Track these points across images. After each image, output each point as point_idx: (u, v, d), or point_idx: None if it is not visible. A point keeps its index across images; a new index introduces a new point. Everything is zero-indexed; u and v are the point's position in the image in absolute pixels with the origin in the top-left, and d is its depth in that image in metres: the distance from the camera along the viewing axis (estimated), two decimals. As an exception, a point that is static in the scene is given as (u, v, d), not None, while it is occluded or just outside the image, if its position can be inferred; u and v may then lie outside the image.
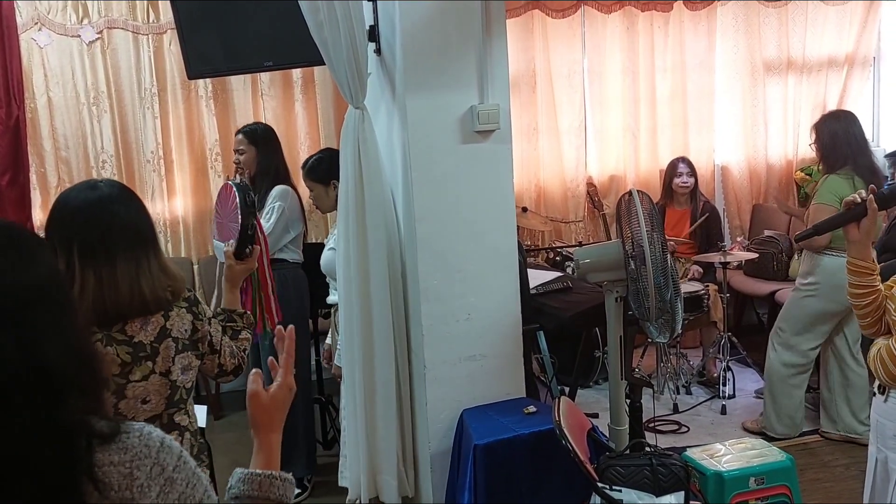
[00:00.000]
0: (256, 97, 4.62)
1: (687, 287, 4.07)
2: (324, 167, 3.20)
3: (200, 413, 2.32)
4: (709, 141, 5.32)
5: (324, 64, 2.65)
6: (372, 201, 2.68)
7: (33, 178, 4.28)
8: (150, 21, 4.41)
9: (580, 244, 4.93)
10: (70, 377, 0.90)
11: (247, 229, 2.13)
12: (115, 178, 4.25)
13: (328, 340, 3.38)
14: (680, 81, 5.18)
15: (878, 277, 2.10)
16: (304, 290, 3.55)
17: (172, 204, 4.60)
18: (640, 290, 2.45)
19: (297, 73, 4.62)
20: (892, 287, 2.08)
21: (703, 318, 4.30)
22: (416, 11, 2.58)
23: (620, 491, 2.18)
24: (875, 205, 2.02)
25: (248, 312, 2.11)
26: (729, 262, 4.22)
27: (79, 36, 4.32)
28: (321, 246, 3.54)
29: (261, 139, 3.54)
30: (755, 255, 4.56)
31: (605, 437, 2.64)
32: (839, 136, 3.58)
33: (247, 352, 2.00)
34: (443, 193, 2.68)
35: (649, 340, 4.24)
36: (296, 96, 4.69)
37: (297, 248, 3.55)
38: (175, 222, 4.62)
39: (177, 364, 1.75)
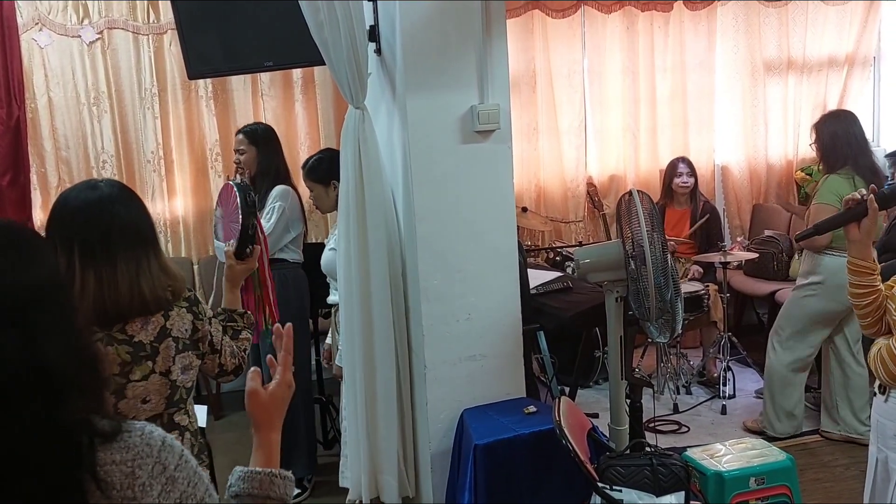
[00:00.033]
0: (256, 97, 4.63)
1: (687, 287, 4.07)
2: (324, 167, 3.20)
3: (201, 413, 2.32)
4: (709, 141, 5.32)
5: (324, 64, 2.65)
6: (372, 201, 2.68)
7: (34, 178, 4.28)
8: (151, 21, 4.42)
9: (580, 244, 4.93)
10: (71, 376, 0.90)
11: (247, 229, 2.13)
12: (116, 178, 4.25)
13: (328, 340, 3.38)
14: (680, 81, 5.18)
15: (879, 277, 2.10)
16: (304, 289, 3.55)
17: (173, 204, 4.60)
18: (640, 290, 2.45)
19: (297, 73, 4.62)
20: (893, 287, 2.08)
21: (703, 318, 4.30)
22: (417, 11, 2.58)
23: (621, 491, 2.18)
24: (875, 204, 2.02)
25: (249, 312, 2.11)
26: (729, 262, 4.22)
27: (79, 36, 4.33)
28: (321, 246, 3.54)
29: (261, 139, 3.54)
30: (755, 255, 4.56)
31: (606, 437, 2.64)
32: (839, 136, 3.58)
33: (247, 352, 2.00)
34: (443, 193, 2.68)
35: (649, 340, 4.24)
36: (296, 96, 4.69)
37: (298, 248, 3.55)
38: (175, 222, 4.62)
39: (177, 364, 1.75)
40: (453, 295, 2.72)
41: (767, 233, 4.99)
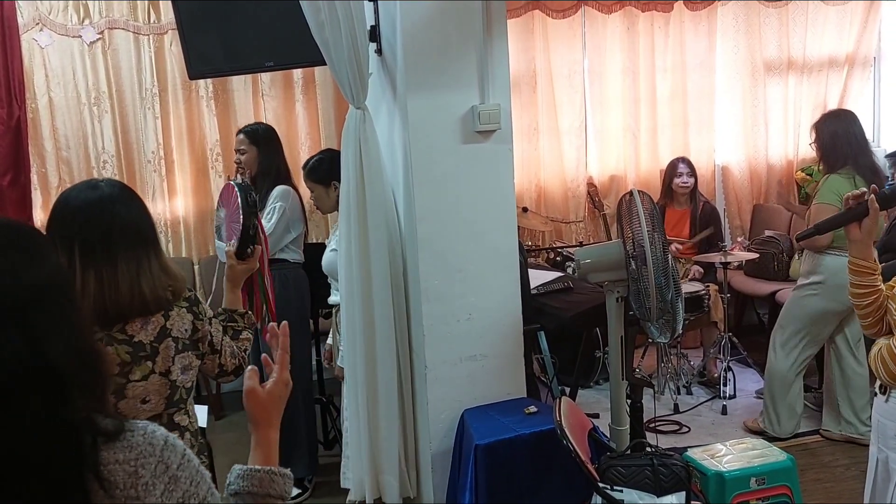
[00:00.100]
0: (257, 97, 4.63)
1: (688, 287, 4.07)
2: (324, 168, 3.20)
3: (201, 413, 2.32)
4: (709, 141, 5.32)
5: (325, 64, 2.65)
6: (373, 201, 2.68)
7: (34, 178, 4.29)
8: (151, 21, 4.42)
9: (581, 244, 4.93)
10: (75, 375, 0.90)
11: (248, 229, 2.13)
12: (116, 178, 4.25)
13: (329, 341, 3.38)
14: (680, 81, 5.18)
15: (880, 277, 2.09)
16: (304, 290, 3.55)
17: (173, 204, 4.60)
18: (640, 290, 2.45)
19: (297, 73, 4.62)
20: (894, 287, 2.08)
21: (703, 318, 4.30)
22: (417, 11, 2.58)
23: (622, 491, 2.18)
24: (876, 204, 2.02)
25: (250, 312, 2.11)
26: (729, 263, 4.22)
27: (80, 36, 4.33)
28: (322, 246, 3.54)
29: (262, 139, 3.54)
30: (756, 256, 4.56)
31: (606, 437, 2.64)
32: (839, 136, 3.58)
33: (248, 352, 2.00)
34: (443, 193, 2.68)
35: (650, 340, 4.24)
36: (296, 96, 4.70)
37: (298, 249, 3.55)
38: (176, 222, 4.62)
39: (177, 364, 1.75)
40: (454, 295, 2.72)
41: (768, 233, 4.99)
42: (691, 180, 4.74)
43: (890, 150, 4.84)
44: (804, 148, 5.12)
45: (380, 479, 2.78)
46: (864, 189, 2.07)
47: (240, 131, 3.63)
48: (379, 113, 2.81)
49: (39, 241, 0.97)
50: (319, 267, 3.22)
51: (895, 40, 5.40)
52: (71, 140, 4.39)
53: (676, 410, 4.11)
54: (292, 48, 2.98)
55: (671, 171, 4.78)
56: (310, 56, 2.75)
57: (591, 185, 5.11)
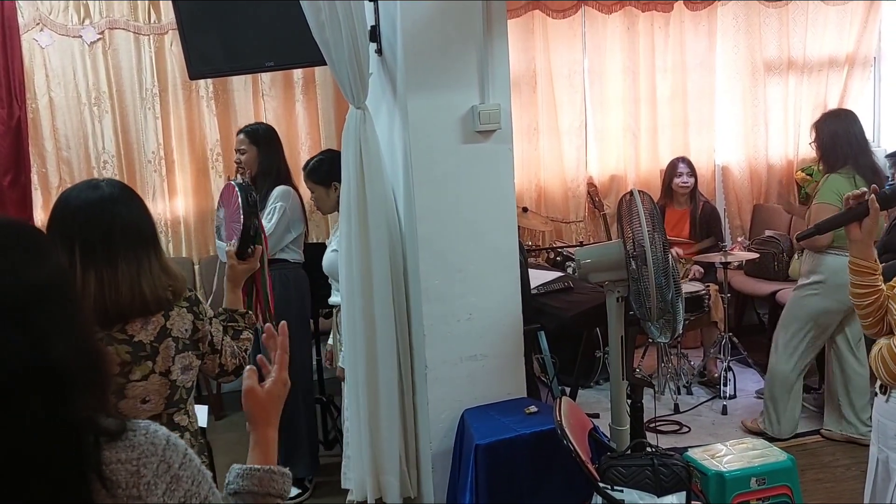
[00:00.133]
0: (257, 97, 4.63)
1: (688, 287, 4.07)
2: (325, 169, 3.20)
3: (201, 413, 2.32)
4: (709, 141, 5.32)
5: (325, 64, 2.65)
6: (374, 201, 2.68)
7: (35, 178, 4.29)
8: (152, 21, 4.42)
9: (581, 244, 4.93)
10: (77, 375, 0.90)
11: (249, 229, 2.13)
12: (117, 178, 4.25)
13: (330, 342, 3.38)
14: (680, 81, 5.18)
15: (881, 277, 2.09)
16: (305, 289, 3.56)
17: (173, 204, 4.60)
18: (641, 290, 2.45)
19: (297, 73, 4.62)
20: (895, 287, 2.08)
21: (703, 318, 4.30)
22: (417, 11, 2.59)
23: (622, 491, 2.18)
24: (877, 204, 2.02)
25: (250, 312, 2.11)
26: (730, 263, 4.22)
27: (80, 36, 4.33)
28: (322, 246, 3.54)
29: (262, 139, 3.54)
30: (756, 256, 4.56)
31: (607, 437, 2.64)
32: (839, 136, 3.58)
33: (248, 352, 2.00)
34: (443, 193, 2.68)
35: (650, 340, 4.24)
36: (296, 97, 4.70)
37: (299, 249, 3.56)
38: (176, 222, 4.62)
39: (177, 364, 1.75)
40: (454, 295, 2.72)
41: (768, 233, 4.99)
42: (691, 180, 4.74)
43: (890, 150, 4.84)
44: (804, 148, 5.12)
45: (381, 480, 2.78)
46: (865, 189, 2.07)
47: (240, 131, 3.63)
48: (379, 113, 2.81)
49: (41, 241, 0.97)
50: (320, 267, 3.22)
51: (895, 40, 5.40)
52: (71, 140, 4.39)
53: (677, 410, 4.11)
54: (292, 48, 2.98)
55: (671, 170, 4.78)
56: (310, 56, 2.76)
57: (591, 184, 5.11)
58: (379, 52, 2.79)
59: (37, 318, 0.89)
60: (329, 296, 3.24)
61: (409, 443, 2.84)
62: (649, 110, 5.16)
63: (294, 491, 3.49)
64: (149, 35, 4.42)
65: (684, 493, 2.21)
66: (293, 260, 3.52)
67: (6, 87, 3.98)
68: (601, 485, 2.19)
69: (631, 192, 2.49)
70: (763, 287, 4.78)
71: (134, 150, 4.49)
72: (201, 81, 4.39)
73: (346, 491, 2.94)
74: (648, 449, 2.39)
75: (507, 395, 2.80)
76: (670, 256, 2.45)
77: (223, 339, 1.89)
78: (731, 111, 5.33)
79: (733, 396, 4.23)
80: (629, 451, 2.40)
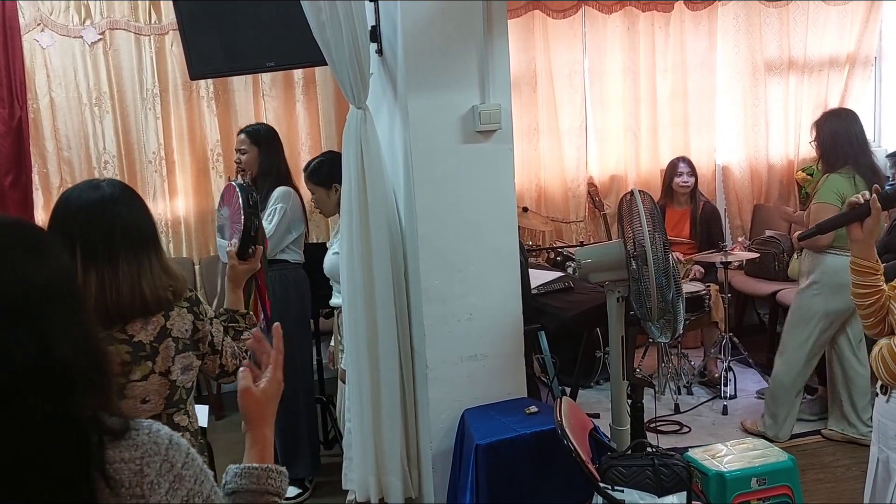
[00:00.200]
0: (258, 98, 4.63)
1: (688, 287, 4.07)
2: (325, 170, 3.19)
3: (202, 413, 2.32)
4: (710, 141, 5.32)
5: (325, 64, 2.65)
6: (375, 201, 2.68)
7: (36, 178, 4.29)
8: (152, 22, 4.42)
9: (581, 244, 4.93)
10: (81, 374, 0.90)
11: (249, 230, 2.13)
12: (117, 178, 4.25)
13: (332, 343, 3.38)
14: (681, 81, 5.18)
15: (882, 277, 2.09)
16: (305, 290, 3.56)
17: (174, 204, 4.60)
18: (641, 290, 2.45)
19: (298, 73, 4.62)
20: None
21: (704, 318, 4.30)
22: (418, 11, 2.59)
23: (622, 491, 2.18)
24: (879, 204, 2.02)
25: (251, 313, 2.11)
26: (730, 263, 4.22)
27: (81, 37, 4.33)
28: (322, 246, 3.54)
29: (263, 140, 3.54)
30: (756, 256, 4.56)
31: (607, 437, 2.64)
32: (840, 135, 3.58)
33: (249, 352, 2.00)
34: (444, 193, 2.68)
35: (650, 340, 4.24)
36: (297, 97, 4.70)
37: (299, 249, 3.56)
38: (177, 222, 4.62)
39: (177, 364, 1.75)
40: (454, 295, 2.72)
41: (768, 233, 4.99)
42: (692, 180, 4.74)
43: (890, 150, 4.84)
44: (805, 148, 5.12)
45: (382, 480, 2.78)
46: (867, 193, 2.06)
47: (241, 131, 3.63)
48: (380, 113, 2.82)
49: (43, 240, 0.97)
50: (320, 267, 3.22)
51: (896, 40, 5.41)
52: (72, 140, 4.39)
53: (677, 410, 4.11)
54: (293, 48, 2.98)
55: (671, 170, 4.78)
56: (310, 56, 2.76)
57: (591, 184, 5.11)
58: (379, 52, 2.79)
59: (40, 317, 0.89)
60: (329, 296, 3.25)
61: (410, 443, 2.84)
62: (650, 110, 5.16)
63: (294, 490, 3.49)
64: (149, 35, 4.42)
65: (685, 493, 2.21)
66: (293, 260, 3.52)
67: (7, 87, 3.98)
68: (602, 485, 2.19)
69: (631, 192, 2.49)
70: (763, 287, 4.78)
71: (134, 151, 4.49)
72: (202, 82, 4.40)
73: (346, 491, 2.94)
74: (649, 449, 2.39)
75: (508, 395, 2.80)
76: (671, 256, 2.45)
77: (224, 340, 1.89)
78: (732, 111, 5.33)
79: (734, 396, 4.23)
80: (630, 451, 2.40)
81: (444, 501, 2.73)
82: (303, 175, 3.40)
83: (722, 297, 4.31)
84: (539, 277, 3.81)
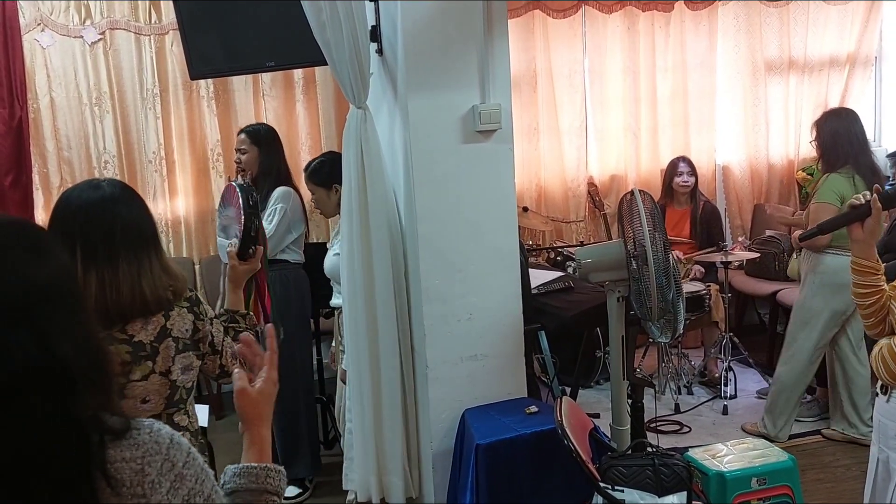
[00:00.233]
0: (258, 98, 4.63)
1: (688, 287, 4.07)
2: (326, 171, 3.19)
3: (202, 413, 2.32)
4: (710, 141, 5.32)
5: (325, 64, 2.65)
6: (375, 201, 2.68)
7: (36, 178, 4.29)
8: (153, 22, 4.42)
9: (581, 244, 4.93)
10: (82, 373, 0.90)
11: (250, 230, 2.13)
12: (118, 178, 4.25)
13: (333, 343, 3.38)
14: (681, 81, 5.18)
15: (883, 277, 2.09)
16: (305, 290, 3.56)
17: (174, 204, 4.60)
18: (641, 289, 2.45)
19: (298, 73, 4.62)
20: (896, 287, 2.08)
21: (704, 318, 4.30)
22: (418, 11, 2.59)
23: (623, 491, 2.18)
24: (879, 204, 2.02)
25: (252, 313, 2.11)
26: (730, 262, 4.22)
27: (81, 37, 4.33)
28: (322, 246, 3.54)
29: (263, 140, 3.54)
30: (756, 255, 4.56)
31: (607, 437, 2.64)
32: (840, 135, 3.57)
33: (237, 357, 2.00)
34: (444, 193, 2.68)
35: (651, 340, 4.24)
36: (297, 97, 4.70)
37: (299, 249, 3.56)
38: (177, 222, 4.62)
39: (177, 364, 1.75)
40: (454, 295, 2.72)
41: (769, 233, 4.98)
42: (692, 180, 4.74)
43: (890, 150, 4.84)
44: (805, 148, 5.12)
45: (383, 480, 2.78)
46: (868, 193, 2.06)
47: (241, 131, 3.63)
48: (380, 113, 2.82)
49: (44, 240, 0.97)
50: (320, 267, 3.22)
51: (896, 40, 5.41)
52: (72, 140, 4.39)
53: (677, 410, 4.11)
54: (293, 48, 2.98)
55: (672, 170, 4.78)
56: (310, 56, 2.76)
57: (591, 184, 5.11)
58: (379, 52, 2.79)
59: (40, 317, 0.89)
60: (329, 296, 3.25)
61: (411, 443, 2.84)
62: (650, 110, 5.16)
63: (294, 490, 3.49)
64: (149, 35, 4.42)
65: (685, 493, 2.21)
66: (293, 260, 3.52)
67: (7, 87, 3.98)
68: (602, 485, 2.19)
69: (631, 192, 2.49)
70: (764, 287, 4.78)
71: (135, 150, 4.49)
72: (202, 81, 4.39)
73: (347, 491, 2.94)
74: (649, 449, 2.39)
75: (508, 395, 2.80)
76: (671, 256, 2.45)
77: (224, 340, 1.89)
78: (732, 111, 5.33)
79: (734, 396, 4.23)
80: (630, 451, 2.40)
81: (444, 501, 2.73)
82: (303, 175, 3.40)
83: (722, 297, 4.31)
84: (539, 277, 3.81)
